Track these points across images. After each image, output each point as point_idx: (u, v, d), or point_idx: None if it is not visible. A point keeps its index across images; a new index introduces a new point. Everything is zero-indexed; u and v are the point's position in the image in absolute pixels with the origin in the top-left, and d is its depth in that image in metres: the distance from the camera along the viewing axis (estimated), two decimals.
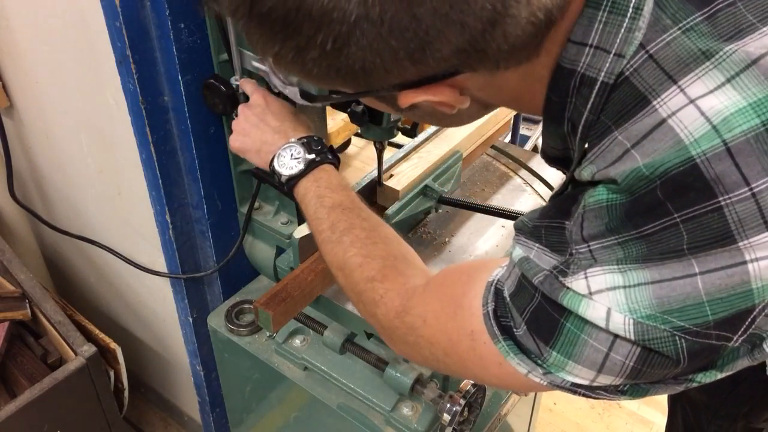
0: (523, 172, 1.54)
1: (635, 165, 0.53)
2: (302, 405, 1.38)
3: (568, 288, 0.58)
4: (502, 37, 0.55)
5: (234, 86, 1.14)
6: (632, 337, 0.55)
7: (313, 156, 0.96)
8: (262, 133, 1.02)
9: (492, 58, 0.57)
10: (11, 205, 1.65)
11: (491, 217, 1.33)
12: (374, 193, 1.25)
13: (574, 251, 0.58)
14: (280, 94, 1.06)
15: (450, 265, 0.80)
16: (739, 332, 0.53)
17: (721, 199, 0.50)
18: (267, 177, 1.28)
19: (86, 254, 1.79)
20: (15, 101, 1.57)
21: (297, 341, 1.33)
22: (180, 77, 1.12)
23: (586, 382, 0.61)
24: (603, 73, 0.56)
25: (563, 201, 0.62)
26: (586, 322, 0.57)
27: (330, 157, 0.98)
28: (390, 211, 1.20)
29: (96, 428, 1.63)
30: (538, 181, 1.50)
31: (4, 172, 1.61)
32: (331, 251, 0.86)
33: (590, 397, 0.63)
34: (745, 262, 0.51)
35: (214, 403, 1.70)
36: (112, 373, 1.63)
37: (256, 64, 1.12)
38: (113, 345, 1.62)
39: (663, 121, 0.52)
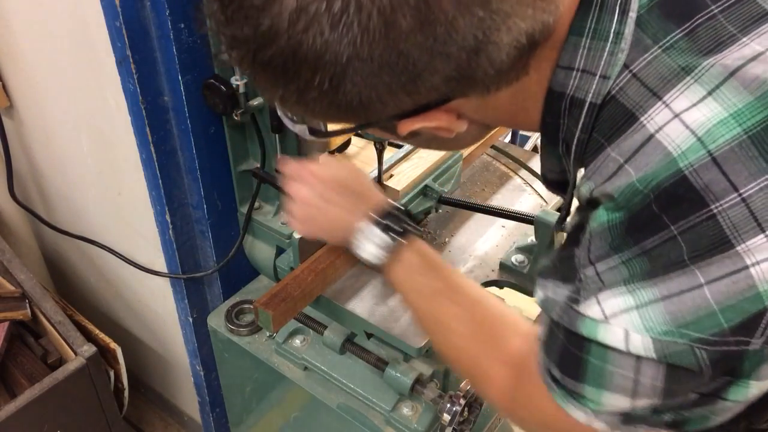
0: (523, 172, 1.54)
1: (629, 180, 0.55)
2: (302, 405, 1.38)
3: (584, 315, 0.60)
4: (488, 63, 0.57)
5: (234, 86, 1.14)
6: (654, 356, 0.56)
7: (391, 238, 0.92)
8: (327, 215, 0.96)
9: (480, 83, 0.59)
10: (11, 205, 1.65)
11: (491, 217, 1.33)
12: None
13: (582, 276, 0.60)
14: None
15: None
16: (757, 334, 0.54)
17: (713, 206, 0.51)
18: (267, 177, 1.28)
19: (86, 254, 1.79)
20: (15, 101, 1.57)
21: (297, 341, 1.33)
22: (180, 77, 1.12)
23: (627, 409, 0.62)
24: (590, 94, 0.59)
25: (572, 231, 0.64)
26: (607, 349, 0.59)
27: (409, 227, 0.93)
28: None
29: (96, 428, 1.63)
30: (538, 181, 1.50)
31: (4, 172, 1.61)
32: (439, 346, 0.88)
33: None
34: (747, 267, 0.52)
35: (214, 403, 1.70)
36: (112, 373, 1.63)
37: None
38: (113, 345, 1.62)
39: (651, 136, 0.54)
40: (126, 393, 1.69)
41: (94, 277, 1.86)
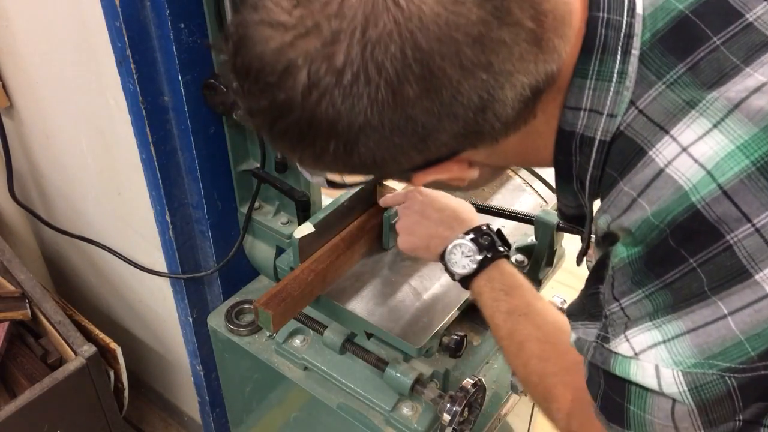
0: (523, 172, 1.54)
1: (644, 215, 0.56)
2: (302, 405, 1.38)
3: (615, 353, 0.61)
4: (494, 119, 0.59)
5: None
6: (684, 388, 0.58)
7: (484, 254, 0.97)
8: (426, 229, 1.04)
9: (488, 135, 0.62)
10: (11, 205, 1.65)
11: (491, 217, 1.33)
12: (374, 193, 1.25)
13: (608, 312, 0.62)
14: None
15: None
16: None
17: (728, 237, 0.53)
18: (267, 177, 1.28)
19: (86, 254, 1.79)
20: (15, 101, 1.57)
21: (297, 341, 1.33)
22: (180, 77, 1.12)
23: None
24: (599, 132, 0.61)
25: (596, 269, 0.66)
26: (645, 392, 0.60)
27: (501, 249, 0.98)
28: (390, 212, 1.20)
29: (96, 428, 1.63)
30: (538, 181, 1.50)
31: (4, 172, 1.61)
32: (513, 364, 0.90)
33: None
34: (767, 296, 0.53)
35: (214, 403, 1.70)
36: (112, 373, 1.63)
37: None
38: (113, 345, 1.62)
39: (662, 170, 0.56)
40: (126, 393, 1.69)
41: (94, 277, 1.86)
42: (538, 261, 1.27)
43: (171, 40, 1.07)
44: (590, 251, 1.12)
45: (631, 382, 0.61)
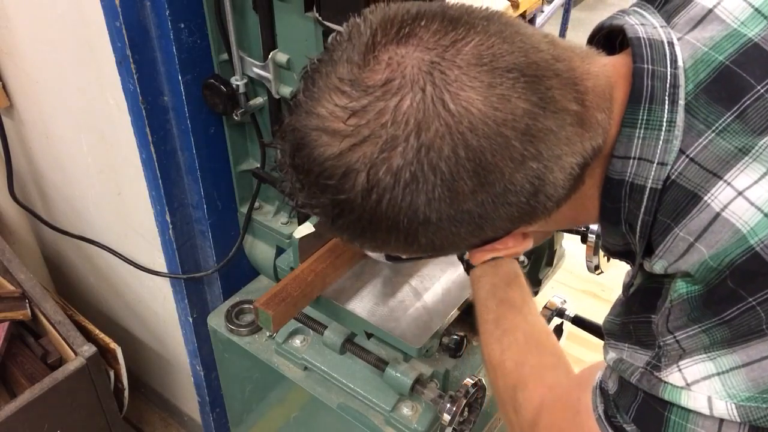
0: None
1: (702, 258, 0.57)
2: (302, 405, 1.38)
3: (665, 382, 0.61)
4: (546, 199, 0.62)
5: (234, 86, 1.14)
6: (738, 420, 0.58)
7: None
8: None
9: (542, 213, 0.64)
10: (11, 205, 1.65)
11: None
12: None
13: (662, 343, 0.62)
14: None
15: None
16: None
17: None
18: (267, 177, 1.28)
19: (86, 254, 1.79)
20: (15, 101, 1.57)
21: (297, 341, 1.33)
22: (180, 77, 1.12)
23: None
24: (650, 180, 0.61)
25: (646, 296, 0.66)
26: (690, 411, 0.60)
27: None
28: None
29: (96, 428, 1.63)
30: None
31: (4, 172, 1.61)
32: (489, 346, 0.91)
33: None
34: None
35: (214, 403, 1.70)
36: (112, 373, 1.63)
37: (257, 70, 1.12)
38: (113, 345, 1.62)
39: (718, 214, 0.56)
40: (126, 393, 1.69)
41: (94, 277, 1.86)
42: (538, 261, 1.27)
43: (171, 40, 1.07)
44: (589, 252, 1.12)
45: (678, 405, 0.61)
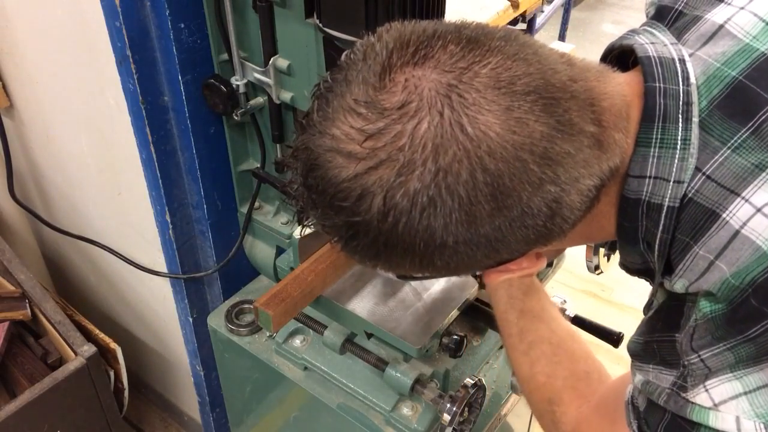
0: None
1: (723, 276, 0.57)
2: (302, 405, 1.38)
3: (693, 403, 0.61)
4: (562, 221, 0.62)
5: (234, 86, 1.14)
6: None
7: None
8: None
9: (558, 235, 0.64)
10: (11, 205, 1.65)
11: None
12: None
13: (686, 362, 0.62)
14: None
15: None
16: None
17: None
18: (267, 177, 1.28)
19: (86, 254, 1.79)
20: (15, 101, 1.57)
21: (297, 341, 1.33)
22: (180, 77, 1.12)
23: None
24: (667, 199, 0.61)
25: (669, 314, 0.66)
26: (718, 430, 0.60)
27: None
28: None
29: (96, 428, 1.63)
30: None
31: (4, 172, 1.61)
32: (517, 361, 0.90)
33: None
34: None
35: (214, 403, 1.70)
36: (112, 373, 1.63)
37: (257, 75, 1.12)
38: (113, 345, 1.62)
39: (737, 232, 0.56)
40: (126, 393, 1.69)
41: (94, 277, 1.86)
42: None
43: (171, 40, 1.07)
44: (589, 252, 1.12)
45: (707, 426, 0.61)
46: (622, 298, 2.51)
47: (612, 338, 1.19)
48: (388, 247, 0.61)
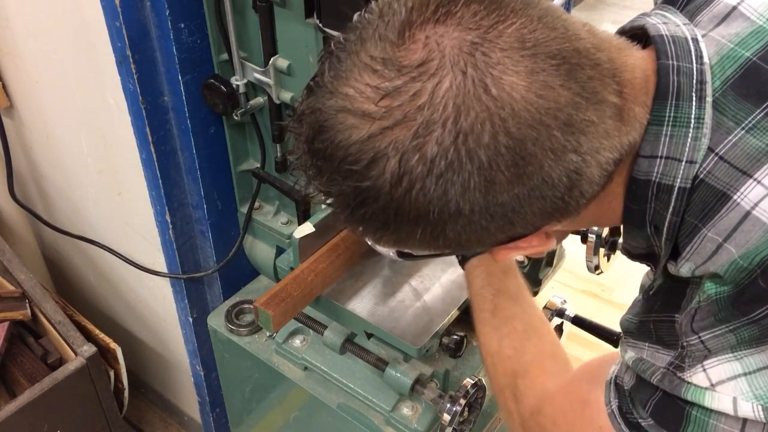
0: None
1: (731, 258, 0.55)
2: (302, 405, 1.38)
3: (688, 383, 0.60)
4: (580, 195, 0.60)
5: (234, 86, 1.14)
6: (764, 421, 0.57)
7: None
8: None
9: (573, 210, 0.62)
10: (11, 205, 1.65)
11: None
12: None
13: (685, 343, 0.60)
14: None
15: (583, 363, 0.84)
16: None
17: None
18: (267, 177, 1.28)
19: (86, 254, 1.79)
20: (15, 101, 1.57)
21: (297, 341, 1.33)
22: (180, 77, 1.12)
23: None
24: (679, 180, 0.59)
25: (669, 295, 0.64)
26: (712, 411, 0.59)
27: None
28: None
29: (96, 428, 1.63)
30: None
31: (4, 172, 1.61)
32: (486, 334, 0.89)
33: None
34: None
35: (214, 403, 1.70)
36: (112, 373, 1.63)
37: (257, 75, 1.12)
38: (113, 345, 1.62)
39: (748, 213, 0.55)
40: (126, 393, 1.69)
41: (94, 277, 1.86)
42: (538, 261, 1.27)
43: (171, 40, 1.07)
44: (589, 252, 1.12)
45: (700, 405, 0.60)
46: (622, 298, 2.50)
47: (612, 338, 1.19)
48: (399, 215, 0.57)
